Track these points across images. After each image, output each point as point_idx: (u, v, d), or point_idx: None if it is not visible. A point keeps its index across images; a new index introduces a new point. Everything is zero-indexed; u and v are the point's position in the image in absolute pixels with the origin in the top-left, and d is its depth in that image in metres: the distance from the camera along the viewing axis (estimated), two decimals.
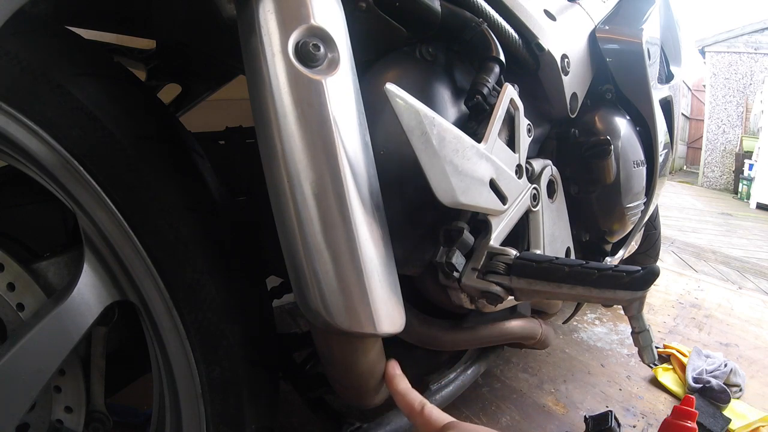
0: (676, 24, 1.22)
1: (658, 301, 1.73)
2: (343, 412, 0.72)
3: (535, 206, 0.66)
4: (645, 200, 0.97)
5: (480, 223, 0.57)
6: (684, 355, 1.22)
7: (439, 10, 0.55)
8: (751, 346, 1.39)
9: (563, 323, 1.20)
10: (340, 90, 0.41)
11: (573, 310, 1.12)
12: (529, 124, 0.62)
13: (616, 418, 0.93)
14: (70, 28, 0.50)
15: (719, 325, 1.53)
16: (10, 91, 0.40)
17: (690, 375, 1.13)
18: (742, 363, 1.25)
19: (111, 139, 0.44)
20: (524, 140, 0.61)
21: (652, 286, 0.49)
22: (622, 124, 0.86)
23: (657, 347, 1.31)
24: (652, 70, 0.90)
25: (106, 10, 0.59)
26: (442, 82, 0.60)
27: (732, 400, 1.07)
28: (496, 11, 0.62)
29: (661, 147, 0.98)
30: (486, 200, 0.53)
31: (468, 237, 0.54)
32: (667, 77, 1.17)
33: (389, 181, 0.48)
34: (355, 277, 0.40)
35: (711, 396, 1.07)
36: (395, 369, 0.52)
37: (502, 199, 0.56)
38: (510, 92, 0.57)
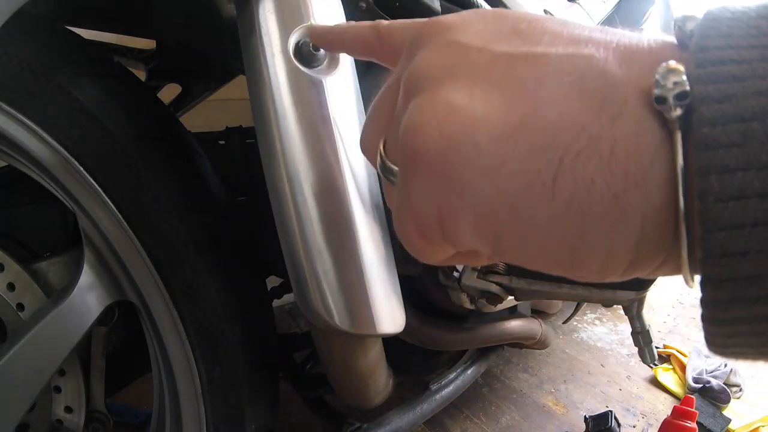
0: None
1: (658, 301, 1.72)
2: (343, 412, 0.72)
3: None
4: None
5: None
6: (684, 355, 1.22)
7: (439, 9, 0.55)
8: None
9: (563, 323, 1.20)
10: (340, 90, 0.41)
11: (573, 310, 1.12)
12: None
13: (616, 418, 0.93)
14: (70, 28, 0.50)
15: None
16: (10, 91, 0.40)
17: (690, 375, 1.13)
18: (741, 363, 1.25)
19: (111, 139, 0.44)
20: None
21: (652, 286, 0.49)
22: None
23: (657, 347, 1.31)
24: None
25: (106, 10, 0.59)
26: None
27: (732, 400, 1.07)
28: None
29: None
30: None
31: None
32: None
33: None
34: (355, 277, 0.40)
35: (711, 396, 1.07)
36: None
37: None
38: None
